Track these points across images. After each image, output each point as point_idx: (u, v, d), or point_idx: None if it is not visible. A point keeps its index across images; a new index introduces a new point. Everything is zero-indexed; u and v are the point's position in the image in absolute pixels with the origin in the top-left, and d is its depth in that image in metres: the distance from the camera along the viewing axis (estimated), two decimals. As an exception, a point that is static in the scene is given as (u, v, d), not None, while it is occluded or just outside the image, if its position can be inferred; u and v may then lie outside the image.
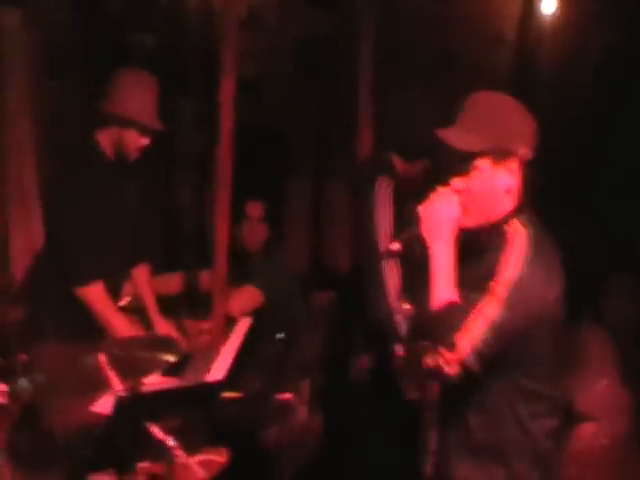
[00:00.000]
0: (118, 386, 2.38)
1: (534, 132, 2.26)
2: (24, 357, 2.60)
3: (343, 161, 4.66)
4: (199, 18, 4.51)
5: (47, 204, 3.46)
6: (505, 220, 2.23)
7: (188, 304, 4.03)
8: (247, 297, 3.97)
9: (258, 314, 3.87)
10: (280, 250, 4.20)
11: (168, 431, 2.56)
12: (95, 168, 3.33)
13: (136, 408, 2.50)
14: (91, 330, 3.19)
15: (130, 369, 2.44)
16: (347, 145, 4.56)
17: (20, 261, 4.05)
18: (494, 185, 2.23)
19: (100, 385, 2.39)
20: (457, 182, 2.27)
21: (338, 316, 3.44)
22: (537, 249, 2.18)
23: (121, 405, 2.44)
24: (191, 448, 2.67)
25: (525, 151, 2.23)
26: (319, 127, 4.73)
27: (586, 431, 3.42)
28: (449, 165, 2.33)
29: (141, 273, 3.61)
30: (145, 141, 3.35)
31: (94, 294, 3.26)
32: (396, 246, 2.38)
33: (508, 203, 2.24)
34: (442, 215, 2.27)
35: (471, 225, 2.27)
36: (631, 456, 3.38)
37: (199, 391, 2.77)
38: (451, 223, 2.27)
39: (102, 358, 2.42)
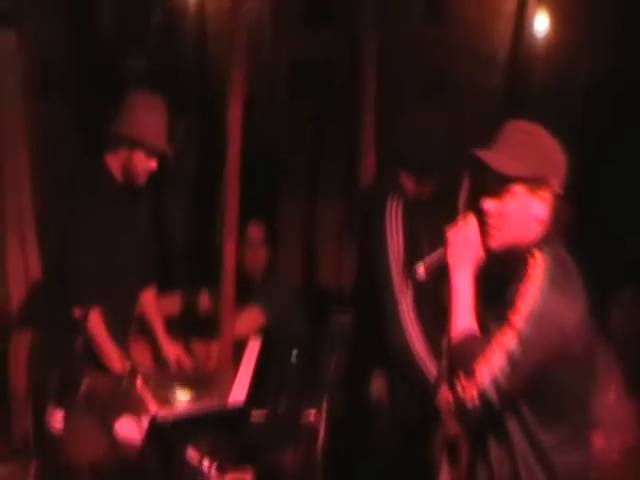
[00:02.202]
0: (154, 408, 2.35)
1: (566, 167, 2.30)
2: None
3: (337, 181, 4.72)
4: (192, 40, 4.53)
5: (54, 228, 3.41)
6: (529, 249, 2.26)
7: (188, 325, 4.00)
8: (249, 318, 3.95)
9: (262, 335, 3.87)
10: (282, 271, 4.21)
11: (200, 453, 2.55)
12: (104, 192, 3.31)
13: (171, 431, 2.49)
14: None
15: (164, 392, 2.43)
16: (342, 165, 4.63)
17: (16, 285, 3.98)
18: (526, 212, 2.26)
19: (137, 407, 2.35)
20: (489, 204, 2.29)
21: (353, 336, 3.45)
22: (557, 281, 2.18)
23: (157, 428, 2.42)
24: (219, 469, 2.66)
25: (558, 183, 2.27)
26: (311, 148, 4.77)
27: (594, 444, 3.48)
28: (481, 187, 2.35)
29: (148, 296, 3.59)
30: (153, 164, 3.35)
31: (89, 320, 3.22)
32: (421, 269, 2.37)
33: (536, 232, 2.27)
34: (469, 243, 2.29)
35: (497, 247, 2.29)
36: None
37: (228, 413, 2.76)
38: (476, 252, 2.30)
39: (139, 380, 2.39)
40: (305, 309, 4.08)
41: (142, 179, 3.35)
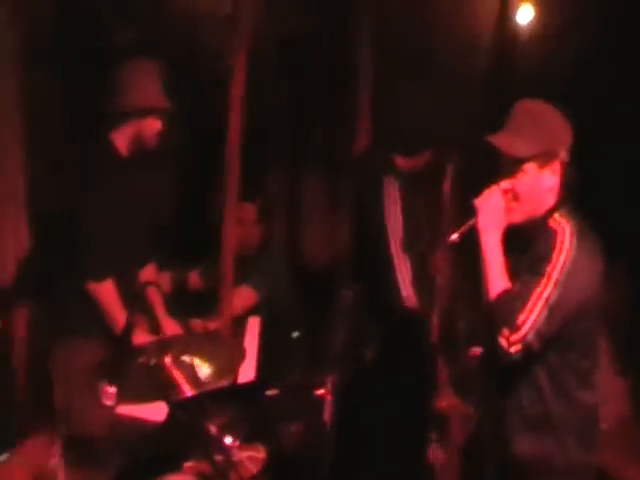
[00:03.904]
0: (186, 390, 2.38)
1: (572, 136, 2.53)
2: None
3: (325, 158, 4.77)
4: (183, 14, 4.49)
5: (59, 202, 3.40)
6: (548, 215, 2.49)
7: (180, 304, 4.02)
8: (243, 297, 3.99)
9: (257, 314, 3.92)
10: (275, 250, 4.24)
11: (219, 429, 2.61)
12: (108, 166, 3.32)
13: (193, 407, 2.53)
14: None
15: (192, 373, 2.46)
16: (329, 142, 4.68)
17: (9, 262, 3.94)
18: (539, 185, 2.49)
19: (168, 389, 2.38)
20: (504, 183, 2.51)
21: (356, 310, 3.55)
22: (582, 237, 2.44)
23: (179, 404, 2.46)
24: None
25: (565, 153, 2.50)
26: (297, 125, 4.80)
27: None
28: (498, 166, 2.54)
29: (148, 272, 3.61)
30: (161, 125, 3.38)
31: (103, 291, 3.25)
32: (454, 237, 2.56)
33: (550, 200, 2.51)
34: (495, 209, 2.49)
35: (517, 221, 2.52)
36: (631, 439, 3.61)
37: (241, 390, 2.81)
38: (502, 216, 2.50)
39: (167, 360, 2.42)
40: (299, 286, 4.14)
41: (153, 143, 3.39)
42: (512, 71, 4.77)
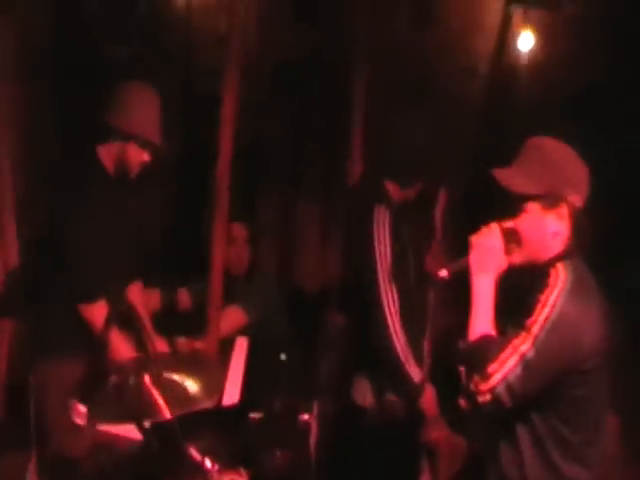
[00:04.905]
0: (165, 411, 2.32)
1: (587, 180, 2.38)
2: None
3: (319, 182, 4.75)
4: (176, 31, 4.50)
5: (49, 220, 3.36)
6: (551, 263, 2.34)
7: (167, 323, 3.97)
8: (232, 318, 3.94)
9: (245, 335, 3.88)
10: (265, 272, 4.20)
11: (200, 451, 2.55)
12: (97, 184, 3.29)
13: (170, 430, 2.47)
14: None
15: (174, 393, 2.40)
16: (324, 165, 4.67)
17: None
18: (542, 229, 2.34)
19: (146, 410, 2.32)
20: (506, 222, 2.39)
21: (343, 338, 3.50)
22: (578, 293, 2.26)
23: (155, 427, 2.41)
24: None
25: (576, 198, 2.34)
26: (291, 148, 4.79)
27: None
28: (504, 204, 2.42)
29: (135, 290, 3.56)
30: (146, 156, 3.34)
31: (96, 313, 3.20)
32: (444, 273, 2.44)
33: (556, 247, 2.35)
34: (491, 249, 2.37)
35: (516, 263, 2.39)
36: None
37: (224, 413, 2.76)
38: (499, 259, 2.37)
39: (147, 379, 2.37)
40: (288, 309, 4.10)
41: (134, 171, 3.34)
42: (510, 99, 4.74)
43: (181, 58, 4.51)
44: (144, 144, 3.30)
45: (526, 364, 2.18)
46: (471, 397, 2.23)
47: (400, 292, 3.33)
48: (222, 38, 4.00)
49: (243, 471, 2.81)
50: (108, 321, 2.99)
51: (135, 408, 2.28)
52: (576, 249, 2.36)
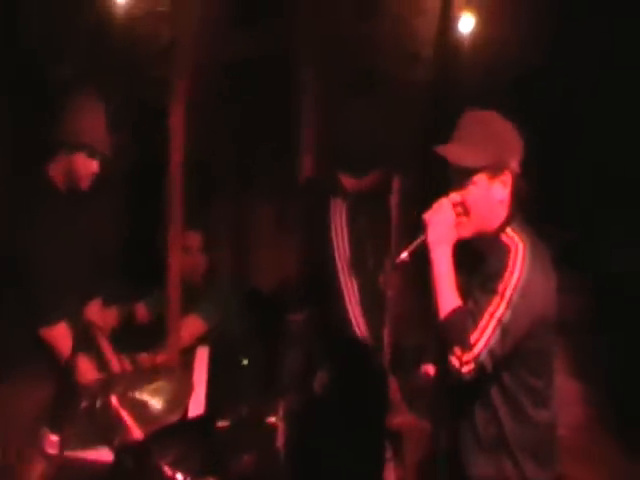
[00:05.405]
0: (136, 430, 2.31)
1: (523, 146, 2.47)
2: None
3: (270, 183, 4.74)
4: (120, 44, 4.45)
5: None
6: (500, 229, 2.43)
7: (126, 338, 3.95)
8: (191, 327, 3.93)
9: (205, 343, 3.87)
10: (222, 278, 4.20)
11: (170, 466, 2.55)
12: (49, 202, 3.26)
13: (141, 449, 2.47)
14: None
15: (141, 411, 2.40)
16: (275, 166, 4.66)
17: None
18: (490, 198, 2.42)
19: (117, 431, 2.30)
20: (454, 195, 2.44)
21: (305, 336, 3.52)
22: (535, 254, 2.38)
23: (127, 448, 2.40)
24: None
25: (516, 164, 2.44)
26: (242, 151, 4.77)
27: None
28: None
29: (93, 308, 3.53)
30: (95, 167, 3.32)
31: (56, 335, 3.17)
32: (404, 256, 2.46)
33: (502, 213, 2.44)
34: (444, 223, 2.42)
35: (467, 235, 2.45)
36: (588, 445, 3.61)
37: (194, 423, 2.76)
38: (452, 231, 2.42)
39: (114, 401, 2.35)
40: (248, 311, 4.10)
41: (85, 183, 3.32)
42: (455, 82, 4.73)
43: (126, 70, 4.45)
44: (92, 154, 3.29)
45: (503, 327, 2.27)
46: (454, 370, 2.28)
47: (360, 282, 3.38)
48: (165, 47, 4.00)
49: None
50: (74, 344, 3.00)
51: (106, 430, 2.28)
52: (518, 212, 2.45)
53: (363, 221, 3.46)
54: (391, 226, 3.53)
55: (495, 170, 2.40)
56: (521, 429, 2.44)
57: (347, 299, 3.35)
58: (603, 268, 4.09)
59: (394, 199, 3.56)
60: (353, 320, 3.33)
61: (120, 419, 2.28)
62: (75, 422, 2.25)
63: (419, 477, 3.39)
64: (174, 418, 2.57)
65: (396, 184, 3.57)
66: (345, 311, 3.33)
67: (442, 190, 2.50)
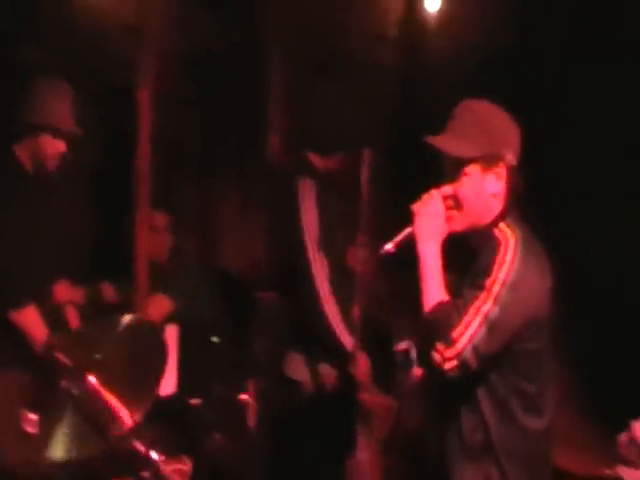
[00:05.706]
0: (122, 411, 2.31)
1: (519, 138, 2.38)
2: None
3: (237, 163, 4.75)
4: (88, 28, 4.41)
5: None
6: (494, 223, 2.33)
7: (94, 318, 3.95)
8: (157, 306, 3.96)
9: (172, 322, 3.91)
10: (188, 257, 4.23)
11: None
12: (17, 185, 3.26)
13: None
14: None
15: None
16: (241, 147, 4.67)
17: None
18: (483, 190, 2.32)
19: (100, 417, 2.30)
20: (446, 188, 2.35)
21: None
22: (527, 250, 2.27)
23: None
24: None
25: (511, 157, 2.34)
26: (208, 132, 4.78)
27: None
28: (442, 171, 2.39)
29: (62, 289, 3.54)
30: (61, 147, 3.31)
31: (26, 318, 3.17)
32: (389, 247, 2.38)
33: (496, 207, 2.34)
34: (434, 215, 2.33)
35: (459, 229, 2.35)
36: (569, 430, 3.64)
37: (166, 403, 2.80)
38: (442, 224, 2.33)
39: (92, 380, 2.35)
40: (217, 293, 4.13)
41: (52, 164, 3.32)
42: (422, 61, 4.66)
43: (92, 50, 4.42)
44: (57, 133, 3.29)
45: (490, 324, 2.16)
46: (436, 366, 2.18)
47: (329, 260, 3.42)
48: (132, 27, 3.98)
49: (186, 459, 2.87)
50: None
51: (95, 422, 2.27)
52: (513, 207, 2.36)
53: (332, 200, 3.48)
54: (360, 204, 3.55)
55: (489, 162, 2.30)
56: (508, 434, 2.30)
57: (316, 277, 3.39)
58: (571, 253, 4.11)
59: (364, 175, 3.55)
60: (322, 298, 3.37)
61: (104, 403, 2.28)
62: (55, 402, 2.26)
63: (388, 453, 3.43)
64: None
65: (366, 160, 3.58)
66: (314, 289, 3.37)
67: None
